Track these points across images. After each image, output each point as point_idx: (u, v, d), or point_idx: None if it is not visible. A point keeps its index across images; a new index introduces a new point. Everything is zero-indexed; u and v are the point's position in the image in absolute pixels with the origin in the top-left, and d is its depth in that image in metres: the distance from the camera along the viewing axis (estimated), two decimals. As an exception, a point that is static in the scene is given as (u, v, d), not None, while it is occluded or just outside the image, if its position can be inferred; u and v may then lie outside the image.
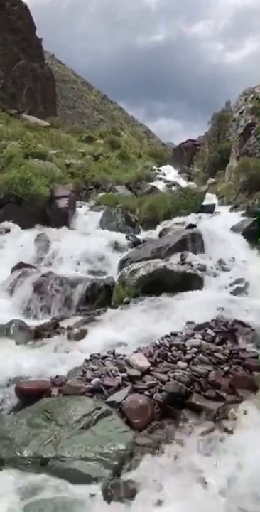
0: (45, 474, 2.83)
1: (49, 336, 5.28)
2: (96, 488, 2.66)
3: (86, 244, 8.77)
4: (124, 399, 3.39)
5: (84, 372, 3.75)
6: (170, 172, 22.53)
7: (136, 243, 8.89)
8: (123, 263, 7.56)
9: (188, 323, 4.83)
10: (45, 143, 16.49)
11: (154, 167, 22.57)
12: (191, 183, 16.99)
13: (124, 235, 9.55)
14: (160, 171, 22.19)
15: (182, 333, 4.48)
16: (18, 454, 3.02)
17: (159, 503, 2.53)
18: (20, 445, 3.09)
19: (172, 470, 2.77)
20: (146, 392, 3.45)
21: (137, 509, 2.51)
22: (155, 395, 3.42)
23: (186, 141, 26.05)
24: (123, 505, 2.54)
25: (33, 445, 3.07)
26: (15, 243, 9.12)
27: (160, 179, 18.73)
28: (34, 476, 2.83)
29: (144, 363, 3.81)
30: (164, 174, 21.17)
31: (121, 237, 9.24)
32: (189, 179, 19.69)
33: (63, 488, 2.70)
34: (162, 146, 48.16)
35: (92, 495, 2.60)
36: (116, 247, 8.72)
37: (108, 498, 2.57)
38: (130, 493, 2.60)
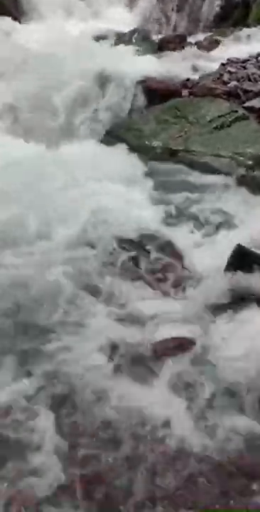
0: (175, 163, 2.81)
1: (174, 49, 4.71)
2: (228, 180, 2.58)
3: None
4: (264, 106, 3.00)
5: (221, 75, 3.32)
6: None
7: None
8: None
9: None
10: None
11: None
12: None
13: None
14: None
15: None
16: (147, 143, 3.00)
17: None
18: (149, 136, 3.04)
19: None
20: None
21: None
22: None
23: None
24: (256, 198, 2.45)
25: (163, 138, 3.00)
26: None
27: None
28: (163, 163, 2.83)
29: None
30: None
31: None
32: None
33: (193, 176, 2.67)
34: None
35: (225, 185, 2.54)
36: None
37: (241, 187, 2.49)
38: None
